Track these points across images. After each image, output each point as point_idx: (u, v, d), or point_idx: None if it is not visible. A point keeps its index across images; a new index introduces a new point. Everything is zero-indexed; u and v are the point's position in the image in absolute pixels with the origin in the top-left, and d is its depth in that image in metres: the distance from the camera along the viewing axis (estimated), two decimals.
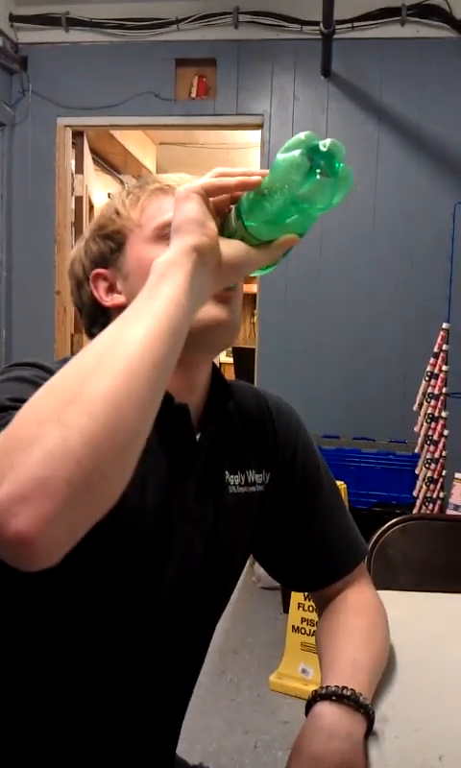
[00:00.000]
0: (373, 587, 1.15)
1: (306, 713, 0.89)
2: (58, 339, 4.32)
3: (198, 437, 1.00)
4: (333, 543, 1.12)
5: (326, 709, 0.87)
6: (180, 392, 0.96)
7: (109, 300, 1.02)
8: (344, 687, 0.88)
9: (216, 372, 1.06)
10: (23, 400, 0.67)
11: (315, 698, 0.89)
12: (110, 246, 1.03)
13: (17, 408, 0.66)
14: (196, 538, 1.00)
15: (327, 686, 0.89)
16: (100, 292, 1.03)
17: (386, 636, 1.06)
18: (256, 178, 0.82)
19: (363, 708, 0.87)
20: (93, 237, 1.05)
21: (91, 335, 1.03)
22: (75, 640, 0.94)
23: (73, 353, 3.48)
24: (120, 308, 0.92)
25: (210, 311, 0.93)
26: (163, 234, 0.95)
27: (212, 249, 0.79)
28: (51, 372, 0.81)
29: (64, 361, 0.91)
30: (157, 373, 0.68)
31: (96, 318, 1.05)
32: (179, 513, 0.97)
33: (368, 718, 0.87)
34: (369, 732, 0.87)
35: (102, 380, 0.64)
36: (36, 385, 0.76)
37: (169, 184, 1.01)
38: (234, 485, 1.05)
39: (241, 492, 1.05)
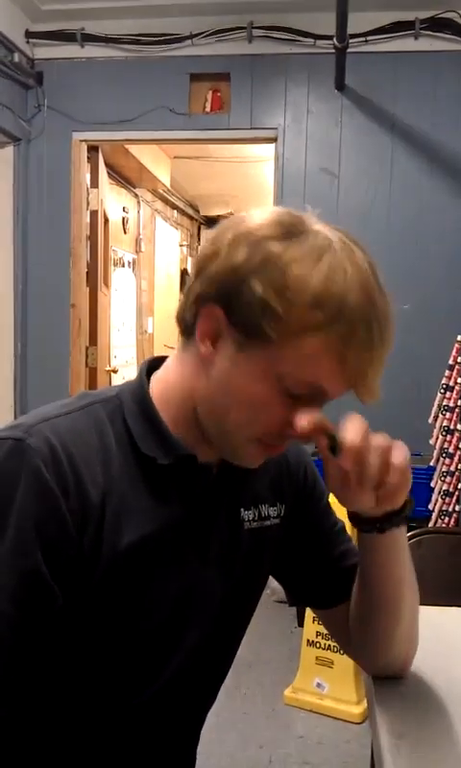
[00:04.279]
0: None
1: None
2: (73, 352, 4.33)
3: (215, 484, 0.98)
4: (350, 561, 1.11)
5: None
6: (199, 445, 0.93)
7: (203, 345, 0.88)
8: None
9: None
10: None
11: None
12: (253, 320, 0.83)
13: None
14: (216, 578, 0.99)
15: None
16: (203, 328, 0.88)
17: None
18: None
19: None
20: (264, 282, 0.82)
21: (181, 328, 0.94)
22: (96, 674, 0.93)
23: (87, 365, 3.50)
24: (205, 358, 0.89)
25: (249, 459, 0.93)
26: (292, 389, 0.85)
27: None
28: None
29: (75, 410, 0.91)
30: None
31: (185, 326, 0.92)
32: (195, 561, 0.96)
33: None
34: None
35: None
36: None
37: (349, 357, 0.83)
38: (249, 521, 1.02)
39: (255, 527, 1.02)
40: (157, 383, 0.95)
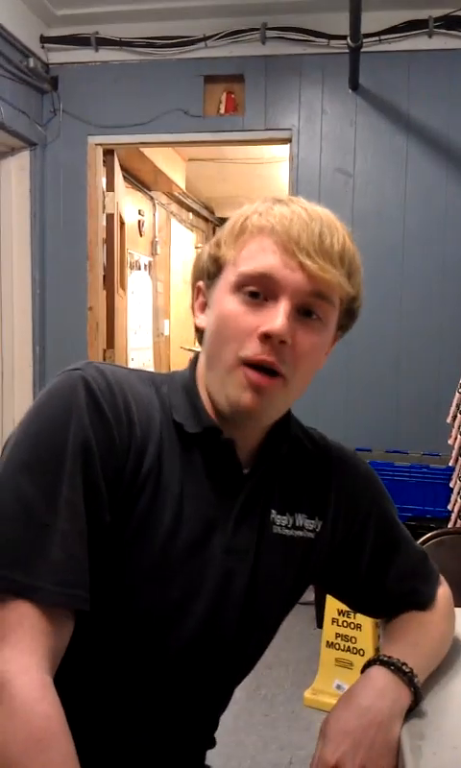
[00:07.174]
0: (447, 586, 1.19)
1: (362, 672, 0.98)
2: (91, 355, 4.34)
3: (246, 471, 1.00)
4: (406, 591, 1.13)
5: (381, 673, 0.96)
6: (229, 426, 0.97)
7: (198, 320, 1.02)
8: (404, 663, 0.96)
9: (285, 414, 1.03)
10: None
11: (374, 661, 0.97)
12: (211, 269, 0.99)
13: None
14: (237, 572, 0.99)
15: (390, 657, 0.97)
16: (196, 305, 1.03)
17: (450, 637, 1.12)
18: None
19: (414, 687, 0.95)
20: (212, 245, 1.00)
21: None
22: (106, 665, 0.94)
23: None
24: (200, 332, 1.01)
25: (237, 392, 0.93)
26: (242, 285, 0.93)
27: None
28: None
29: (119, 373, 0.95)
30: None
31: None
32: (216, 539, 0.96)
33: (415, 697, 0.95)
34: (411, 709, 0.95)
35: None
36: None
37: (274, 226, 0.92)
38: (280, 525, 1.03)
39: (287, 535, 1.03)
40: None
